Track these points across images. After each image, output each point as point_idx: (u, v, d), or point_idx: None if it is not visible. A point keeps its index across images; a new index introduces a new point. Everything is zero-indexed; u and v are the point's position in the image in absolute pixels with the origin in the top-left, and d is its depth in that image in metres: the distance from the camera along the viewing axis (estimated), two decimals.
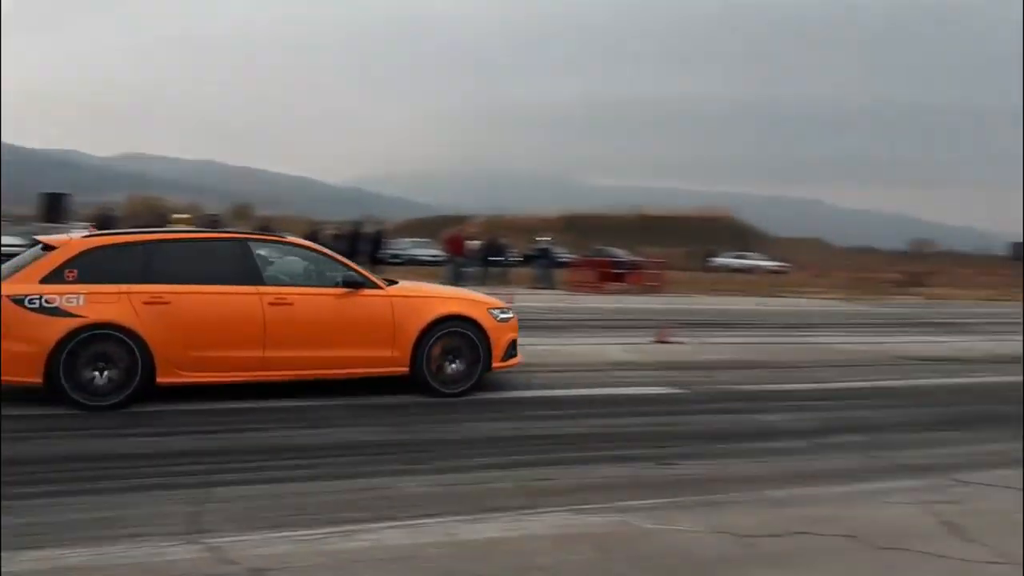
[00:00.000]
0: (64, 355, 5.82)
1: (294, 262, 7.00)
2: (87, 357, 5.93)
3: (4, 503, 4.19)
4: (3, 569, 3.47)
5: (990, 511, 4.70)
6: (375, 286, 6.83)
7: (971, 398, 8.60)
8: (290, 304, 6.45)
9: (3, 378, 5.85)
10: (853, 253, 66.65)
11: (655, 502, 4.69)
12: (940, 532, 4.34)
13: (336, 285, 6.66)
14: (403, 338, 6.73)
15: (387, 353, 6.76)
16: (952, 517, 4.55)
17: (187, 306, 6.21)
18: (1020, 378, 9.64)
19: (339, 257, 7.11)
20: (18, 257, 6.61)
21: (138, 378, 6.05)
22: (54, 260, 6.07)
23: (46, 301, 5.83)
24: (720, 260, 47.30)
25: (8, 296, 5.80)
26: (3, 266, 6.35)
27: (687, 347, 11.66)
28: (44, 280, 5.93)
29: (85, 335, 5.89)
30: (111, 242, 6.56)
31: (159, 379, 6.14)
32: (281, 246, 7.19)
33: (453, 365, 7.00)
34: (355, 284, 6.71)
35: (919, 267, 41.05)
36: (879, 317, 19.92)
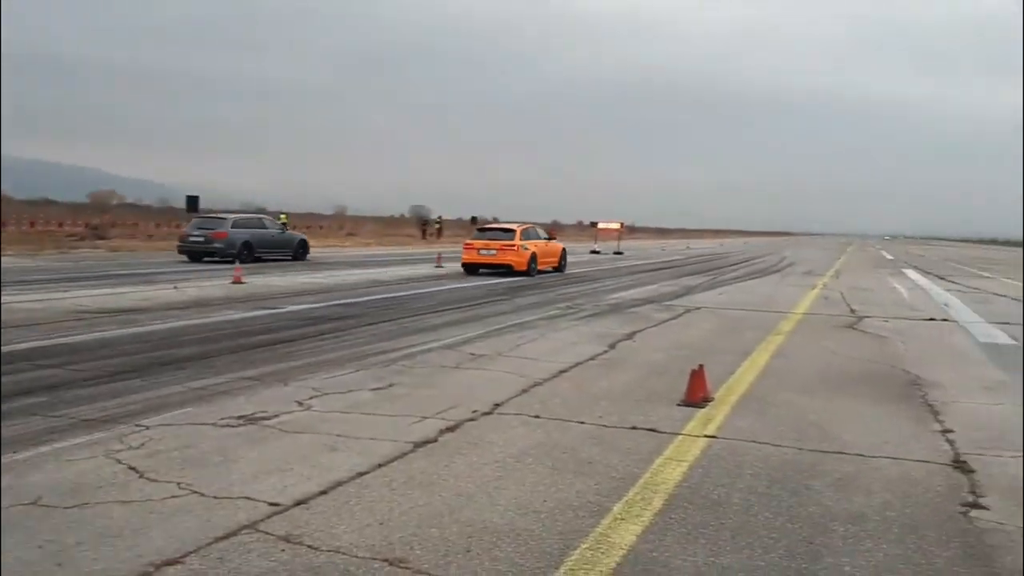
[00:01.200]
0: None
1: (538, 232, 25.39)
2: None
3: None
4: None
5: (169, 449, 5.15)
6: (553, 239, 26.16)
7: (150, 346, 9.19)
8: (529, 248, 23.47)
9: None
10: (30, 206, 63.31)
11: None
12: (125, 479, 4.56)
13: (545, 240, 25.20)
14: (552, 257, 25.50)
15: (552, 262, 25.32)
16: (135, 462, 4.84)
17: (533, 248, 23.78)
18: (192, 322, 10.83)
19: (550, 231, 27.52)
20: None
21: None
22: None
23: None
24: None
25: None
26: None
27: None
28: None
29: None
30: (524, 227, 24.75)
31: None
32: (539, 228, 26.36)
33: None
34: (550, 238, 25.77)
35: (101, 220, 41.47)
36: (59, 272, 19.58)
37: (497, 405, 6.50)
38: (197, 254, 24.98)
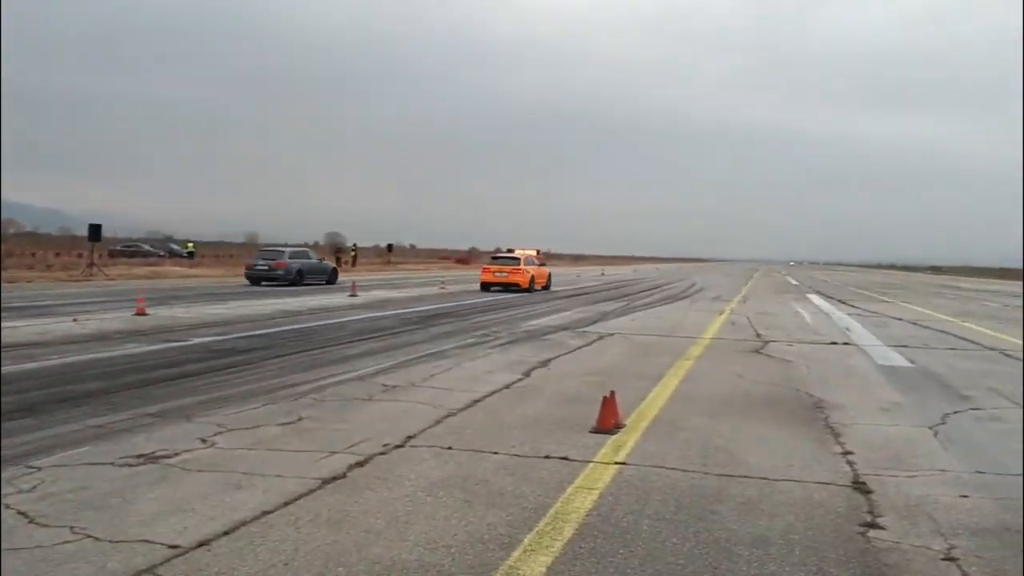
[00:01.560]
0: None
1: (533, 260, 32.98)
2: None
3: None
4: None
5: (62, 492, 4.91)
6: (543, 264, 34.72)
7: (45, 382, 8.77)
8: (530, 271, 31.33)
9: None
10: None
11: None
12: (14, 524, 4.32)
13: (538, 265, 33.00)
14: (543, 278, 32.86)
15: (543, 282, 32.79)
16: (25, 506, 4.59)
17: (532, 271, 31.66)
18: (92, 356, 10.40)
19: (540, 259, 35.08)
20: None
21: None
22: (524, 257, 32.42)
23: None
24: None
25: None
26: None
27: None
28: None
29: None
30: (525, 256, 32.62)
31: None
32: (534, 257, 33.95)
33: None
34: (541, 264, 33.90)
35: None
36: None
37: (409, 437, 6.43)
38: (260, 279, 30.69)
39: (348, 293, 25.71)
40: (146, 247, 74.00)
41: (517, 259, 31.53)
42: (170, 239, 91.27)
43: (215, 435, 6.41)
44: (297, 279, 30.55)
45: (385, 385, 8.86)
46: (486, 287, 30.64)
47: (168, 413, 7.22)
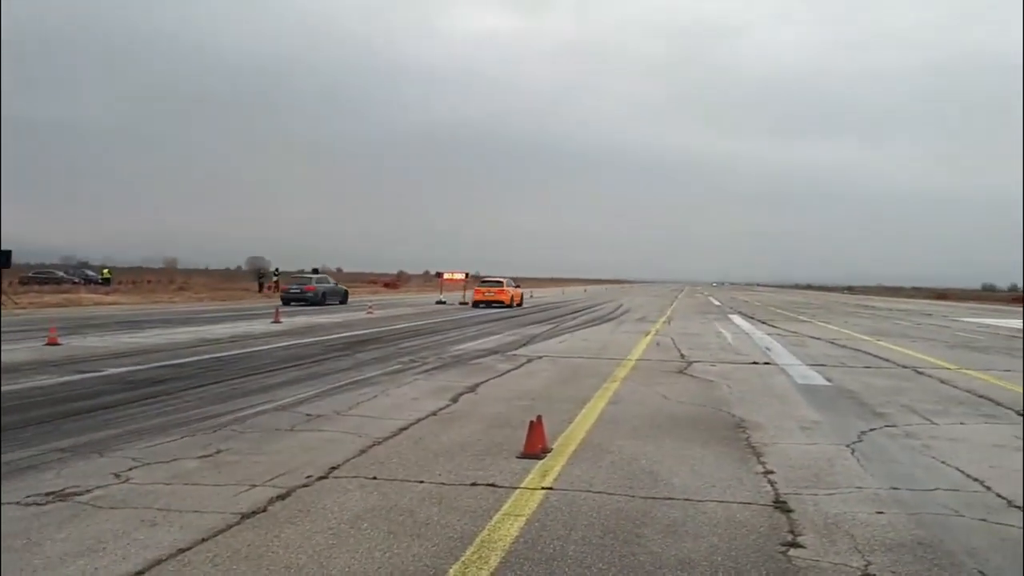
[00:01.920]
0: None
1: (512, 282, 43.03)
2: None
3: None
4: None
5: None
6: (519, 287, 44.25)
7: None
8: (511, 292, 40.83)
9: None
10: None
11: None
12: None
13: (515, 287, 42.51)
14: (519, 297, 42.55)
15: (519, 300, 41.99)
16: None
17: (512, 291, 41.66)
18: None
19: (517, 282, 45.13)
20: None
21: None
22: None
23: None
24: None
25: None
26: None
27: None
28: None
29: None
30: (506, 279, 42.74)
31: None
32: (512, 280, 43.99)
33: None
34: (517, 286, 43.32)
35: None
36: None
37: (333, 468, 6.31)
38: (292, 300, 37.94)
39: (271, 320, 25.18)
40: (60, 273, 71.36)
41: (501, 282, 41.70)
42: (85, 265, 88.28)
43: (130, 470, 6.18)
44: (321, 300, 38.39)
45: (308, 415, 8.69)
46: (477, 304, 39.65)
47: (80, 447, 6.93)
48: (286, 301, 37.67)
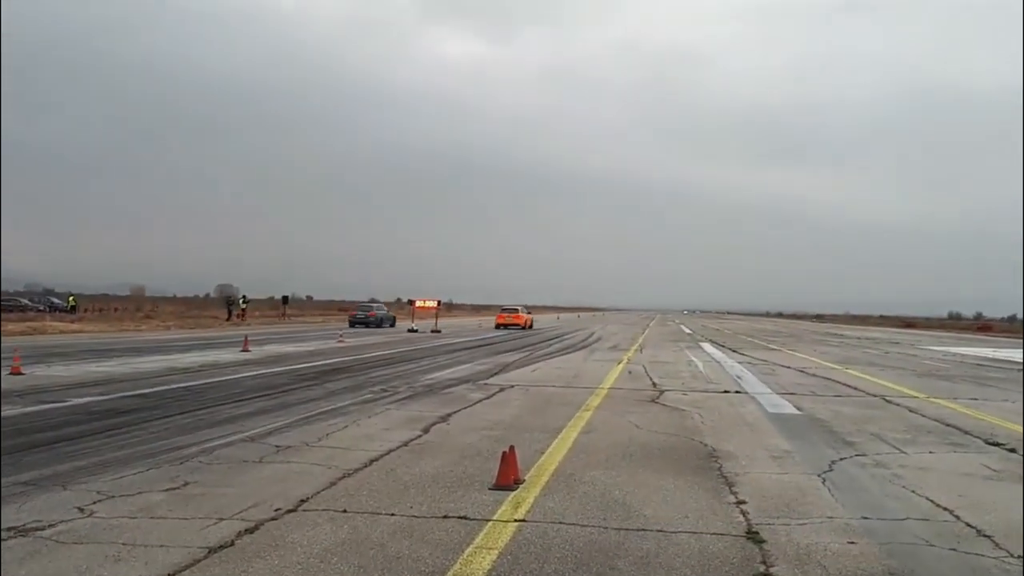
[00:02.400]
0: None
1: (526, 309, 58.38)
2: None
3: None
4: None
5: None
6: (530, 312, 58.28)
7: None
8: (525, 317, 53.96)
9: None
10: None
11: None
12: None
13: (527, 313, 56.07)
14: (531, 322, 54.85)
15: (531, 324, 54.26)
16: None
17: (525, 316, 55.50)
18: None
19: (528, 309, 60.43)
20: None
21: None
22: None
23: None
24: None
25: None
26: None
27: None
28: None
29: None
30: (522, 307, 57.51)
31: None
32: (526, 307, 60.38)
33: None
34: (529, 312, 57.06)
35: None
36: None
37: (303, 501, 6.23)
38: (359, 323, 49.45)
39: (240, 348, 24.92)
40: (24, 301, 70.22)
41: (517, 309, 54.77)
42: (50, 292, 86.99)
43: (94, 503, 6.06)
44: (380, 323, 50.03)
45: (278, 446, 8.58)
46: (499, 327, 50.94)
47: (42, 481, 6.79)
48: (352, 324, 49.35)
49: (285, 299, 71.48)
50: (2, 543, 5.07)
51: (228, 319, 54.65)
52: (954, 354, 32.41)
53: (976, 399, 14.79)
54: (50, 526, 5.45)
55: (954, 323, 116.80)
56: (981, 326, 78.88)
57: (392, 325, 51.32)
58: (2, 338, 29.51)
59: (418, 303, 50.99)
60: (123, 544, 5.07)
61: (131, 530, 5.38)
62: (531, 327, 52.74)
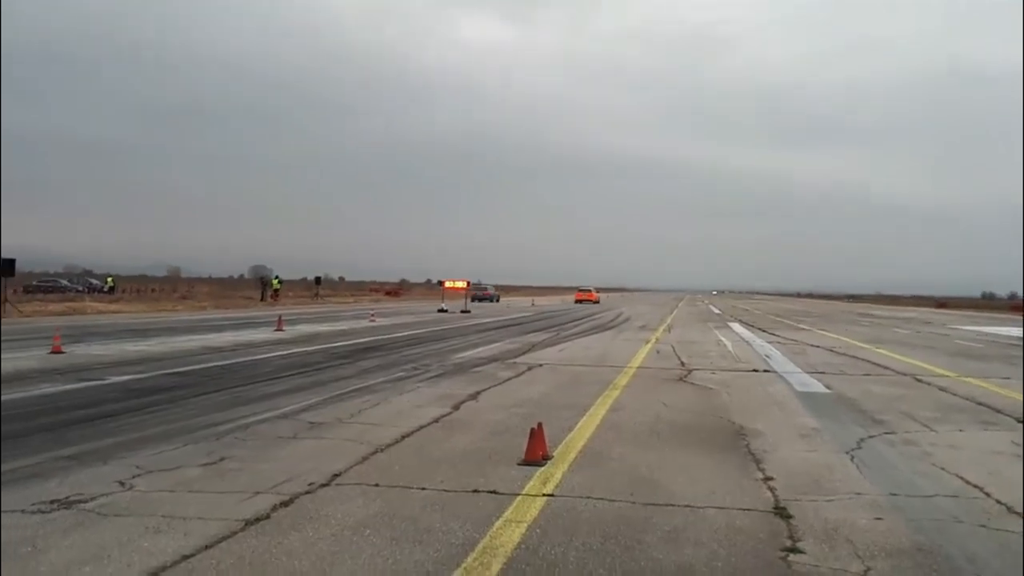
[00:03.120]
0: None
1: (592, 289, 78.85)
2: None
3: None
4: None
5: None
6: (598, 291, 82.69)
7: None
8: (596, 294, 76.18)
9: None
10: None
11: None
12: None
13: (596, 291, 77.77)
14: (598, 297, 74.63)
15: (598, 299, 73.63)
16: None
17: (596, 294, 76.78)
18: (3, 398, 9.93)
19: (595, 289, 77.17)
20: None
21: None
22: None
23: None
24: None
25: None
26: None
27: None
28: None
29: None
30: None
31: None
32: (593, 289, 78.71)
33: None
34: (597, 291, 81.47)
35: None
36: None
37: (335, 476, 6.32)
38: (478, 299, 62.53)
39: (274, 328, 25.20)
40: (64, 282, 71.47)
41: (591, 289, 74.04)
42: (89, 273, 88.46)
43: (133, 477, 6.19)
44: (494, 299, 69.74)
45: (311, 422, 8.71)
46: (578, 302, 68.59)
47: (84, 456, 6.95)
48: (476, 299, 62.58)
49: (318, 280, 71.98)
50: (1, 531, 5.19)
51: (262, 299, 55.27)
52: (987, 334, 31.92)
53: (1008, 378, 14.57)
54: (92, 499, 5.58)
55: (988, 303, 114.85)
56: (1014, 306, 77.47)
57: (497, 301, 69.53)
58: (43, 318, 30.10)
59: (447, 284, 51.17)
60: (162, 516, 5.18)
61: (170, 503, 5.50)
62: (597, 302, 70.52)
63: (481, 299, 66.05)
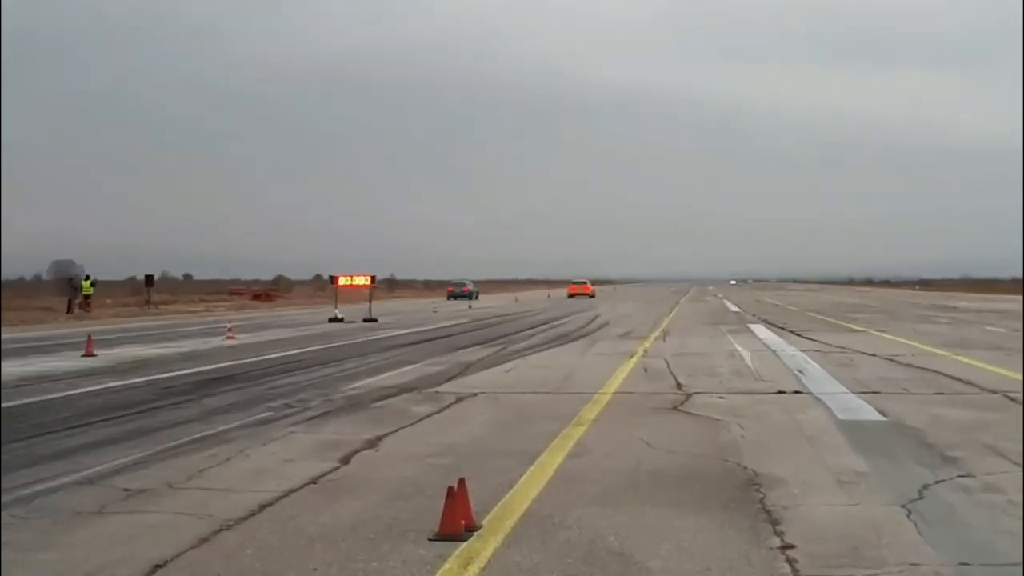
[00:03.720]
0: None
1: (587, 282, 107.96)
2: None
3: None
4: None
5: None
6: (594, 285, 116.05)
7: None
8: (591, 288, 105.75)
9: None
10: None
11: None
12: None
13: (592, 284, 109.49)
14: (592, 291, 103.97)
15: (592, 292, 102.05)
16: None
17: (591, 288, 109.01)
18: None
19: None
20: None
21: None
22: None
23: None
24: None
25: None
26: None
27: None
28: None
29: None
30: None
31: None
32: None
33: None
34: (593, 284, 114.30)
35: None
36: None
37: (158, 567, 6.26)
38: (456, 297, 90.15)
39: (81, 353, 24.82)
40: None
41: (585, 282, 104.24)
42: None
43: None
44: (473, 296, 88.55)
45: (127, 489, 8.61)
46: (571, 296, 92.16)
47: None
48: (452, 297, 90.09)
49: (149, 280, 71.07)
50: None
51: (68, 311, 54.35)
52: None
53: None
54: None
55: None
56: None
57: (476, 298, 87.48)
58: None
59: (342, 280, 50.03)
60: None
61: None
62: (593, 296, 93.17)
63: (459, 296, 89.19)
